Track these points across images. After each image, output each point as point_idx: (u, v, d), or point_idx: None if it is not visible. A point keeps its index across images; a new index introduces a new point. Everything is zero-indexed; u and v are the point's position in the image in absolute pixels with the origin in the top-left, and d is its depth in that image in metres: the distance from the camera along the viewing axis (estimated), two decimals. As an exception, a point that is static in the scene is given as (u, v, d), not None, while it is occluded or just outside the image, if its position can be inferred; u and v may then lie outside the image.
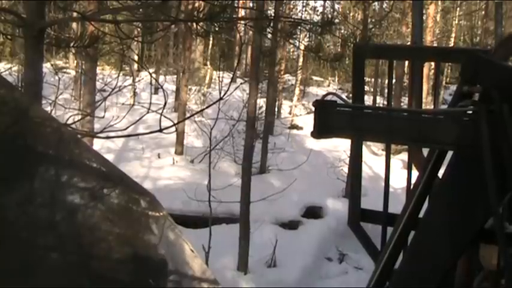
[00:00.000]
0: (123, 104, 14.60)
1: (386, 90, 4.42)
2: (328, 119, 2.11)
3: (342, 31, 17.82)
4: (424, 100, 11.13)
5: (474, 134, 1.82)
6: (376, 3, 17.15)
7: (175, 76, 17.99)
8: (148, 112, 4.22)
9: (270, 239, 8.72)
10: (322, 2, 25.19)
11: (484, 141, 1.76)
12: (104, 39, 4.99)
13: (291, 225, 10.16)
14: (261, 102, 12.79)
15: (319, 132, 2.13)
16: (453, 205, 2.04)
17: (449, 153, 2.18)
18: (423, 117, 2.10)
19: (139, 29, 8.95)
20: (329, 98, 2.25)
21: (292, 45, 16.21)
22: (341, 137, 2.41)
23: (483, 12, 21.30)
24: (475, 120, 1.83)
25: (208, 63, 21.02)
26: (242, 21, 5.76)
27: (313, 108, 2.18)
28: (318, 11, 22.23)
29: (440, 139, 1.98)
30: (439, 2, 18.41)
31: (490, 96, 1.82)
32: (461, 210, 2.00)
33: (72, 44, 3.73)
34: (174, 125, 4.13)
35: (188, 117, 13.11)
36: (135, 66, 17.09)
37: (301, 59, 19.90)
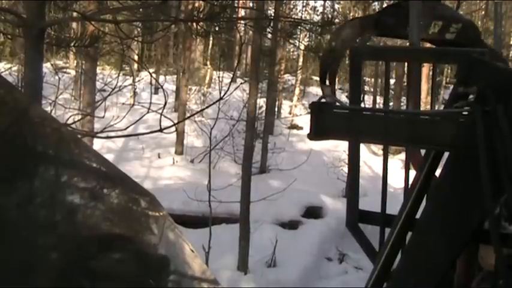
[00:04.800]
0: (123, 104, 14.60)
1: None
2: (325, 121, 2.11)
3: (342, 31, 17.79)
4: (424, 100, 11.15)
5: (470, 135, 1.83)
6: (376, 3, 17.16)
7: (175, 76, 17.99)
8: (148, 112, 4.23)
9: (270, 239, 8.72)
10: (322, 2, 25.21)
11: (480, 142, 1.77)
12: (104, 39, 5.00)
13: (291, 225, 10.16)
14: (261, 102, 12.79)
15: (316, 133, 2.13)
16: (449, 205, 2.05)
17: (446, 153, 2.18)
18: (419, 118, 2.10)
19: (139, 29, 8.97)
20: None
21: (292, 45, 16.20)
22: (337, 138, 2.42)
23: (483, 12, 21.29)
24: (471, 121, 1.84)
25: (208, 63, 21.01)
26: (242, 21, 5.77)
27: (312, 109, 2.19)
28: (318, 11, 22.27)
29: (436, 140, 1.99)
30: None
31: (485, 96, 1.82)
32: (458, 211, 2.01)
33: (72, 44, 3.73)
34: (174, 124, 4.14)
35: (188, 117, 13.12)
36: (135, 66, 17.09)
37: (301, 59, 19.91)
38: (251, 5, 14.37)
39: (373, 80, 19.48)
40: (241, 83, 11.48)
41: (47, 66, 7.53)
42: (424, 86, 12.91)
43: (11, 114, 1.16)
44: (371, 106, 15.24)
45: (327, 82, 3.47)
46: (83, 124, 7.51)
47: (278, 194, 9.35)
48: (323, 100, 2.22)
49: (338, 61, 3.76)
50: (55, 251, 1.06)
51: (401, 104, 13.95)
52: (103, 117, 5.74)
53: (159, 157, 13.54)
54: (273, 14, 10.12)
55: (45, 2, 3.43)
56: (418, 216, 2.41)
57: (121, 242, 1.18)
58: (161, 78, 18.15)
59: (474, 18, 24.18)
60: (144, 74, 16.57)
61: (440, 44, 3.71)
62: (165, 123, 3.63)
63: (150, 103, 4.46)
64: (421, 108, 5.36)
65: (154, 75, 15.81)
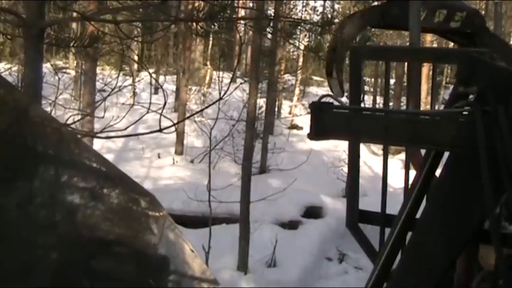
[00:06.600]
0: (123, 104, 14.59)
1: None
2: (325, 121, 2.11)
3: (342, 31, 17.78)
4: (424, 100, 11.14)
5: (470, 135, 1.83)
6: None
7: (175, 76, 17.99)
8: (148, 112, 4.22)
9: (270, 239, 8.73)
10: (322, 2, 25.19)
11: (480, 142, 1.77)
12: (103, 39, 4.99)
13: (291, 225, 10.16)
14: (261, 102, 12.79)
15: (316, 133, 2.13)
16: (450, 205, 2.05)
17: (446, 153, 2.18)
18: (420, 118, 2.10)
19: (139, 29, 8.96)
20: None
21: (292, 45, 16.19)
22: (338, 138, 2.42)
23: (483, 12, 21.27)
24: (471, 121, 1.84)
25: (208, 63, 21.02)
26: (242, 21, 5.77)
27: (312, 109, 2.18)
28: (318, 11, 22.28)
29: (436, 140, 1.99)
30: (439, 2, 18.36)
31: (485, 96, 1.82)
32: (458, 211, 2.01)
33: (72, 44, 3.73)
34: (174, 125, 4.13)
35: (188, 117, 13.12)
36: (135, 66, 17.08)
37: (301, 59, 19.90)
38: (251, 5, 14.36)
39: (373, 80, 19.47)
40: (241, 83, 11.48)
41: (46, 66, 7.52)
42: (424, 86, 12.91)
43: (11, 114, 1.16)
44: (371, 106, 15.25)
45: (334, 75, 3.47)
46: (83, 124, 7.51)
47: (278, 194, 9.35)
48: (323, 100, 2.21)
49: (344, 53, 3.76)
50: (55, 251, 1.05)
51: (401, 104, 13.94)
52: (103, 117, 5.74)
53: (159, 157, 13.54)
54: (273, 14, 10.11)
55: (45, 2, 3.43)
56: (418, 216, 2.41)
57: (121, 242, 1.18)
58: (161, 78, 18.14)
59: (474, 18, 24.15)
60: (144, 74, 16.54)
61: (445, 32, 3.70)
62: (165, 123, 3.62)
63: (150, 103, 4.45)
64: (421, 108, 5.36)
65: (154, 75, 15.82)
